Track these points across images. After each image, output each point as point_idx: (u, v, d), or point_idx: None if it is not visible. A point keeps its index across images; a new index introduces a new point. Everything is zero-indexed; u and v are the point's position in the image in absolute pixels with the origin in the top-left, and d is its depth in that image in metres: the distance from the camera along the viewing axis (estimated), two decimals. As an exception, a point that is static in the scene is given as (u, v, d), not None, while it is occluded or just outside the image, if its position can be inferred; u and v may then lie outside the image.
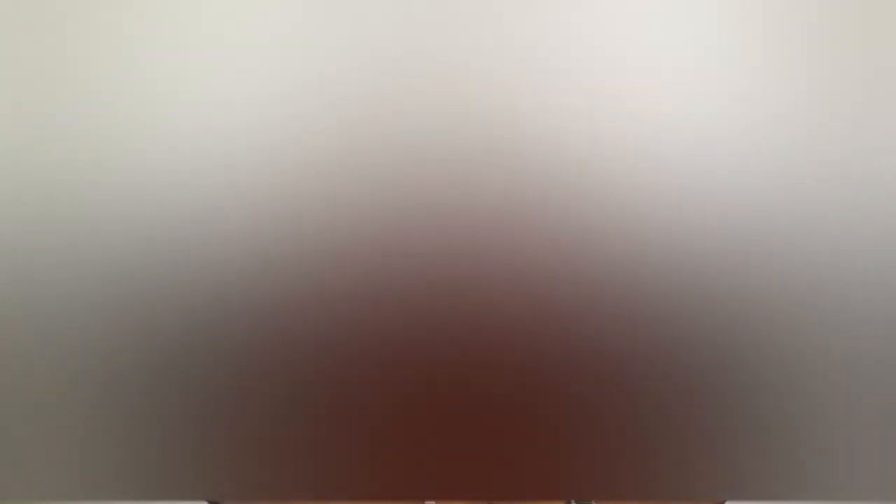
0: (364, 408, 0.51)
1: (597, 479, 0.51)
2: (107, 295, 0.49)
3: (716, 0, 0.47)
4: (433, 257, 0.49)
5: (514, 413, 0.51)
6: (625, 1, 0.47)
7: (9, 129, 0.47)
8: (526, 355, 0.50)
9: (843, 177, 0.48)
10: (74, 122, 0.48)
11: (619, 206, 0.49)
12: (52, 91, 0.48)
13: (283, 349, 0.50)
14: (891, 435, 0.51)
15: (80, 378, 0.50)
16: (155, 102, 0.48)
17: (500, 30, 0.47)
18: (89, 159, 0.48)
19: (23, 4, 0.47)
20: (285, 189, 0.48)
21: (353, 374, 0.50)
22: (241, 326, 0.50)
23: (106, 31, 0.47)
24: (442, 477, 0.51)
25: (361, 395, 0.51)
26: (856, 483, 0.51)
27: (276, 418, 0.51)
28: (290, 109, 0.48)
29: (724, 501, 0.55)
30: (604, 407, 0.51)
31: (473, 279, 0.49)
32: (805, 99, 0.48)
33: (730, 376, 0.50)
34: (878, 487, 0.51)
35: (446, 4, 0.47)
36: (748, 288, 0.49)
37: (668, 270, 0.49)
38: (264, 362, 0.50)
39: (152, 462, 0.51)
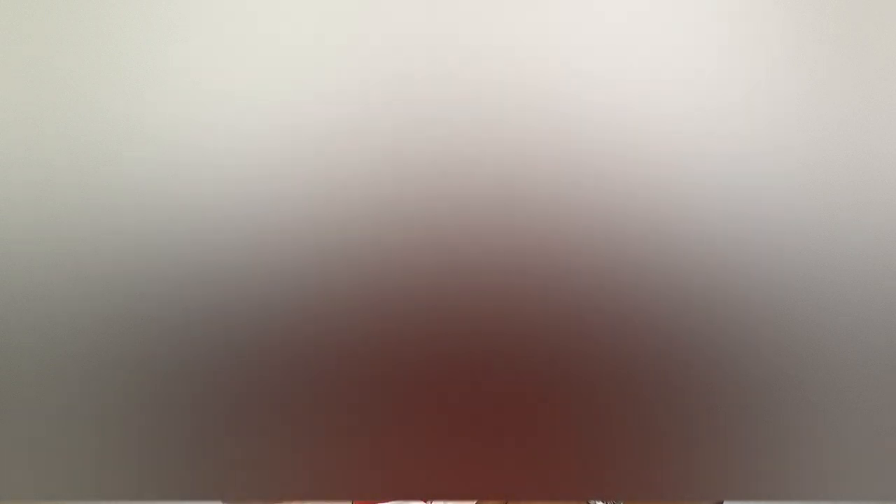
0: (365, 408, 0.51)
1: (594, 479, 0.51)
2: (108, 295, 0.49)
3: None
4: (435, 256, 0.49)
5: (512, 413, 0.51)
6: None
7: (9, 129, 0.48)
8: (524, 355, 0.50)
9: (848, 178, 0.48)
10: (76, 122, 0.48)
11: (623, 207, 0.49)
12: (54, 91, 0.48)
13: (283, 349, 0.50)
14: (890, 435, 0.50)
15: (80, 378, 0.50)
16: (157, 104, 0.48)
17: (502, 29, 0.47)
18: (90, 159, 0.48)
19: (24, 4, 0.47)
20: (285, 188, 0.48)
21: (354, 373, 0.50)
22: (242, 326, 0.50)
23: (108, 31, 0.47)
24: (441, 477, 0.51)
25: (362, 395, 0.51)
26: (855, 483, 0.51)
27: (276, 418, 0.51)
28: (291, 110, 0.48)
29: (724, 501, 0.55)
30: (601, 407, 0.51)
31: (475, 279, 0.49)
32: (811, 99, 0.48)
33: (729, 376, 0.50)
34: (878, 487, 0.51)
35: (447, 3, 0.47)
36: (749, 289, 0.49)
37: (669, 270, 0.49)
38: (264, 361, 0.50)
39: (152, 462, 0.51)
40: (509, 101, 0.48)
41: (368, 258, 0.49)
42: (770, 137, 0.48)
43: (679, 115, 0.48)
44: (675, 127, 0.48)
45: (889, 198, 0.48)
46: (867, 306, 0.49)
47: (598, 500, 0.53)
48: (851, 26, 0.46)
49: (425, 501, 0.63)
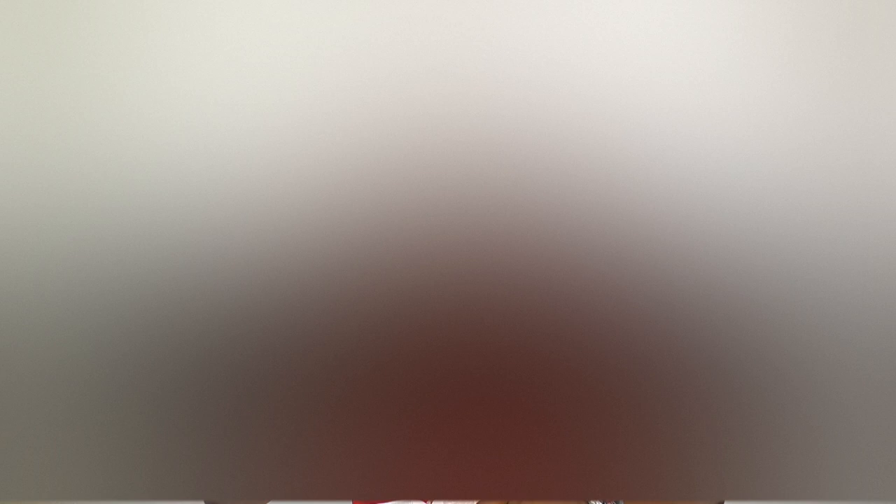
0: (365, 407, 0.51)
1: (594, 479, 0.51)
2: (108, 295, 0.49)
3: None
4: (434, 254, 0.49)
5: (512, 413, 0.51)
6: None
7: (9, 129, 0.48)
8: (524, 355, 0.50)
9: (850, 179, 0.48)
10: (75, 122, 0.48)
11: (622, 205, 0.49)
12: (52, 91, 0.48)
13: (285, 348, 0.50)
14: (890, 435, 0.50)
15: (80, 378, 0.50)
16: (156, 104, 0.48)
17: (502, 28, 0.47)
18: (89, 159, 0.48)
19: (25, 3, 0.47)
20: (286, 188, 0.48)
21: (354, 372, 0.50)
22: (242, 325, 0.50)
23: (109, 29, 0.47)
24: (441, 477, 0.51)
25: (362, 394, 0.51)
26: (855, 483, 0.51)
27: (276, 417, 0.51)
28: (291, 110, 0.48)
29: (724, 501, 0.55)
30: (600, 407, 0.51)
31: (474, 278, 0.49)
32: (813, 99, 0.48)
33: (729, 376, 0.50)
34: (878, 487, 0.51)
35: (449, 3, 0.47)
36: (749, 288, 0.49)
37: (669, 270, 0.49)
38: (264, 360, 0.50)
39: (153, 462, 0.51)
40: (508, 101, 0.48)
41: (368, 256, 0.49)
42: (771, 138, 0.48)
43: (680, 115, 0.48)
44: (677, 127, 0.48)
45: (891, 198, 0.48)
46: (868, 306, 0.49)
47: (598, 500, 0.53)
48: (853, 26, 0.46)
49: (425, 501, 0.63)
